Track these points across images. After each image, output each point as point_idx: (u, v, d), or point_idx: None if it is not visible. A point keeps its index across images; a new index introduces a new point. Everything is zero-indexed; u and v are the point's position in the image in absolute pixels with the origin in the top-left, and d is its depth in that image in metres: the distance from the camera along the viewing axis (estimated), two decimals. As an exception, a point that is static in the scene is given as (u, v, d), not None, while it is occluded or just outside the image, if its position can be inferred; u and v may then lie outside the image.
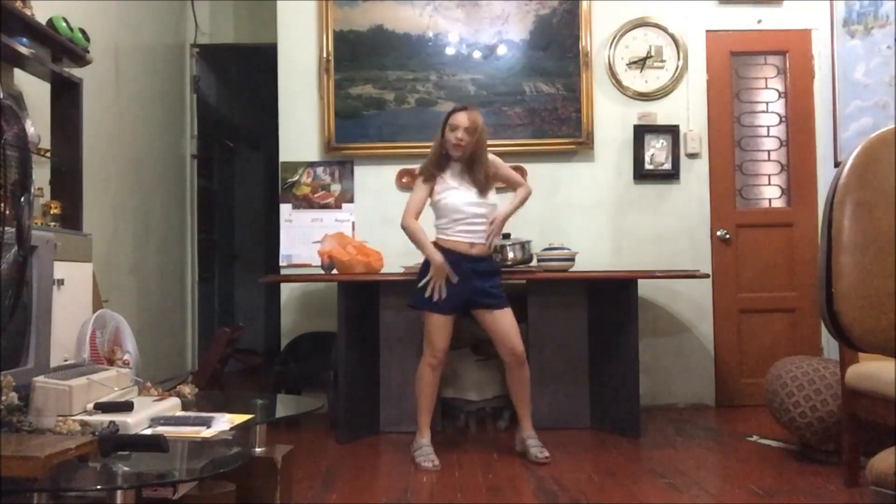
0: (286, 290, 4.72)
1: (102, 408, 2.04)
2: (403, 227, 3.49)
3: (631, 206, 4.74)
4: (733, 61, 4.83)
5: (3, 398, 1.87)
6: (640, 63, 4.74)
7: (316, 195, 4.70)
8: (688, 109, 4.76)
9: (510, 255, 4.10)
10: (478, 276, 3.49)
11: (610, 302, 4.10)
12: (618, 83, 4.74)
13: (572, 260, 4.17)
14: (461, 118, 3.43)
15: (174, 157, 5.32)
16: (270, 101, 4.84)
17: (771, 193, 4.84)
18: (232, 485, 2.31)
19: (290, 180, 4.70)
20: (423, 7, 4.67)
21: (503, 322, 3.50)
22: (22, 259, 1.98)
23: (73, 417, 1.93)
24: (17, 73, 3.02)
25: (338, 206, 4.70)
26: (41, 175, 2.96)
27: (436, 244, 3.48)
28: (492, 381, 4.55)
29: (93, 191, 3.61)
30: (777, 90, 4.86)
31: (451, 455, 3.60)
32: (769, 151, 4.85)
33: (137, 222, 4.52)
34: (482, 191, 3.49)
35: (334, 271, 4.14)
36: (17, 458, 1.60)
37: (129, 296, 4.36)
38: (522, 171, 4.69)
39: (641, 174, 4.72)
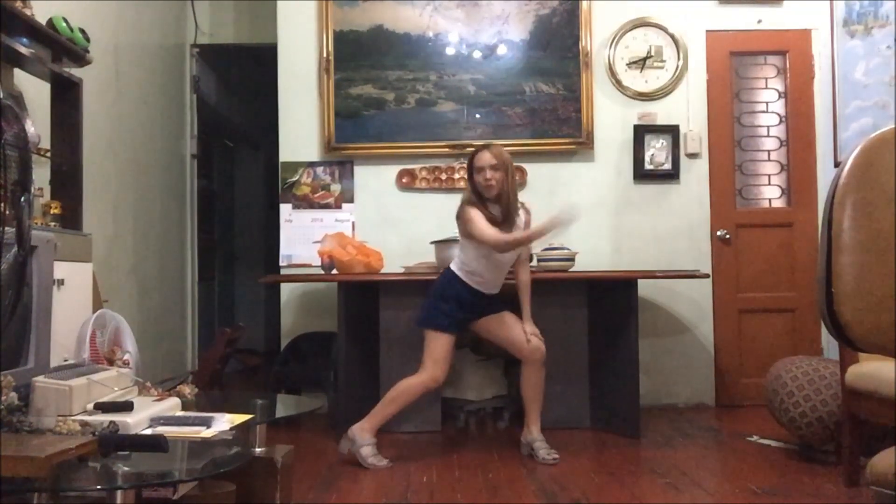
0: (286, 290, 4.73)
1: (102, 408, 2.03)
2: (499, 245, 3.34)
3: (631, 206, 4.74)
4: (733, 61, 4.83)
5: (3, 398, 1.87)
6: (640, 63, 4.74)
7: (316, 195, 4.70)
8: (688, 109, 4.76)
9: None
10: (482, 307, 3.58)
11: (610, 302, 4.10)
12: (618, 83, 4.74)
13: (572, 260, 4.17)
14: (483, 157, 3.41)
15: (174, 157, 5.32)
16: (270, 101, 4.85)
17: (771, 193, 4.84)
18: (232, 485, 2.31)
19: (290, 180, 4.71)
20: (423, 7, 4.67)
21: (513, 319, 3.55)
22: (22, 259, 1.98)
23: (73, 417, 1.93)
24: (17, 73, 3.02)
25: (338, 206, 4.70)
26: (41, 175, 2.96)
27: (453, 276, 3.49)
28: (492, 381, 4.56)
29: (93, 191, 3.61)
30: (777, 90, 4.86)
31: (451, 455, 3.60)
32: (769, 151, 4.85)
33: (137, 222, 4.52)
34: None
35: (334, 271, 4.14)
36: (17, 458, 1.59)
37: (129, 296, 4.36)
38: (522, 171, 4.70)
39: (641, 174, 4.72)
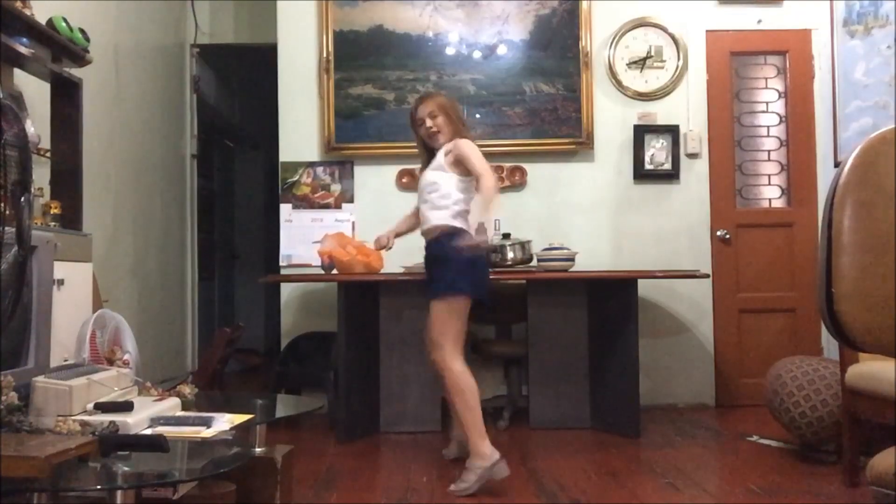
0: (286, 290, 4.72)
1: (102, 408, 2.04)
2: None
3: (631, 206, 4.74)
4: (733, 61, 4.83)
5: (3, 398, 1.87)
6: (640, 63, 4.74)
7: (316, 195, 4.70)
8: (688, 109, 4.76)
9: (510, 255, 4.10)
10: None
11: (610, 302, 4.10)
12: (618, 83, 4.74)
13: (572, 260, 4.17)
14: (419, 111, 3.30)
15: (174, 157, 5.32)
16: (270, 101, 4.84)
17: (771, 193, 4.84)
18: (232, 485, 2.31)
19: (290, 180, 4.71)
20: (423, 7, 4.67)
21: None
22: (22, 259, 1.98)
23: (73, 417, 1.93)
24: (17, 73, 3.02)
25: (338, 206, 4.70)
26: (41, 175, 2.96)
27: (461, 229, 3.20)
28: (492, 381, 4.56)
29: (93, 191, 3.61)
30: (777, 90, 4.86)
31: (451, 455, 3.59)
32: (769, 151, 4.85)
33: (137, 222, 4.52)
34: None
35: (334, 271, 4.14)
36: (17, 458, 1.59)
37: (129, 296, 4.36)
38: (522, 171, 4.70)
39: (641, 174, 4.72)
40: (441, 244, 3.18)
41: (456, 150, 3.19)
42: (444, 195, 3.19)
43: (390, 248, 3.61)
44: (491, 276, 4.05)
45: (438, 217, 3.20)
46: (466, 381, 3.06)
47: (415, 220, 3.51)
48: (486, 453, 2.98)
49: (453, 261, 3.11)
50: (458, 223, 3.19)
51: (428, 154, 3.36)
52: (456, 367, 3.08)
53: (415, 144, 3.56)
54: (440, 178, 3.21)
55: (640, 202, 4.74)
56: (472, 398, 3.05)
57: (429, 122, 3.27)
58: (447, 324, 3.10)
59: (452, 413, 3.23)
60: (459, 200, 3.20)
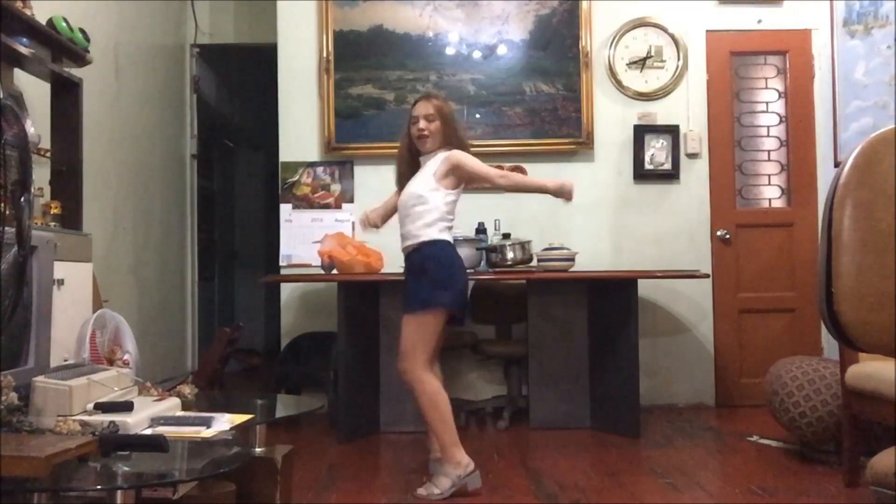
0: (286, 290, 4.72)
1: (102, 408, 2.03)
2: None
3: (631, 206, 4.74)
4: (733, 61, 4.83)
5: (3, 398, 1.86)
6: (640, 63, 4.74)
7: (316, 195, 4.70)
8: (688, 109, 4.76)
9: (510, 255, 4.09)
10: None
11: (610, 302, 4.10)
12: (618, 83, 4.74)
13: (572, 260, 4.16)
14: (418, 108, 3.15)
15: (174, 157, 5.32)
16: (270, 101, 4.84)
17: (771, 193, 4.84)
18: (232, 485, 2.31)
19: (290, 180, 4.71)
20: (423, 7, 4.67)
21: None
22: (22, 259, 1.98)
23: (73, 417, 1.93)
24: (17, 73, 3.02)
25: (338, 206, 4.70)
26: (41, 175, 2.96)
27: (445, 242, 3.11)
28: (492, 381, 4.56)
29: (93, 191, 3.61)
30: (777, 90, 4.86)
31: (451, 455, 3.59)
32: (769, 151, 4.85)
33: (137, 222, 4.52)
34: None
35: (334, 271, 4.14)
36: (18, 458, 1.59)
37: (129, 296, 4.36)
38: (522, 171, 4.69)
39: (641, 174, 4.72)
40: (421, 254, 3.06)
41: (450, 160, 3.08)
42: (430, 209, 3.06)
43: (380, 227, 3.42)
44: (491, 277, 4.06)
45: (424, 233, 3.07)
46: (438, 391, 3.02)
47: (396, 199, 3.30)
48: (462, 461, 2.96)
49: (432, 273, 3.02)
50: (443, 236, 3.09)
51: (410, 157, 3.20)
52: (426, 379, 3.01)
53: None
54: (427, 193, 3.07)
55: (640, 202, 4.74)
56: (445, 408, 3.01)
57: (422, 123, 3.11)
58: (421, 337, 3.01)
59: (424, 424, 3.14)
60: (445, 215, 3.09)
